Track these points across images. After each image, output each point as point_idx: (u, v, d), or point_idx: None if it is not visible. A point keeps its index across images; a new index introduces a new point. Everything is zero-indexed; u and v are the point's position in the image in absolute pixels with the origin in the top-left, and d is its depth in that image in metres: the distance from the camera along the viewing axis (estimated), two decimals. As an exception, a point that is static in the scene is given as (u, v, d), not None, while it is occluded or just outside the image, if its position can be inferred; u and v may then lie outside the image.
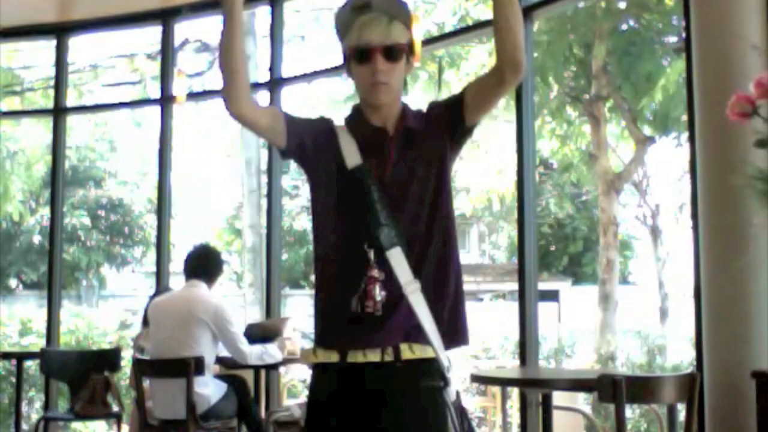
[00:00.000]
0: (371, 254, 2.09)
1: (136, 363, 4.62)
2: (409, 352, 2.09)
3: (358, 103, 2.25)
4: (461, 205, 16.01)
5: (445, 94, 10.12)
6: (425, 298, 2.09)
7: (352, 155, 2.16)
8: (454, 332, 2.16)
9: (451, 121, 2.19)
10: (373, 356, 2.08)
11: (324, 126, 2.24)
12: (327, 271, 2.18)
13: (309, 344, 2.25)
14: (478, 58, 11.05)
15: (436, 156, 2.17)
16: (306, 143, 2.19)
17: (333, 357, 2.11)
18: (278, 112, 2.22)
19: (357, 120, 2.23)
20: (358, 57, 2.16)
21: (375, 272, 2.08)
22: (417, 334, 2.09)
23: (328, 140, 2.19)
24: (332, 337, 2.14)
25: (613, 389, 3.00)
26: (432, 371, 2.10)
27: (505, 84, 2.11)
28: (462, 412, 2.12)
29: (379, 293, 2.07)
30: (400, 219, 2.12)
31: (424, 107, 2.28)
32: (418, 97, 11.38)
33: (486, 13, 10.41)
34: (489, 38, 10.38)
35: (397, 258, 2.09)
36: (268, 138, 2.25)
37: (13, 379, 7.03)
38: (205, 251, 4.92)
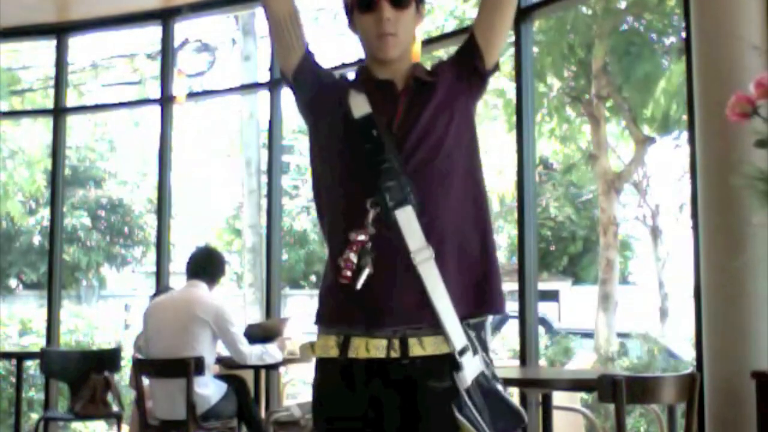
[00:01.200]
0: (371, 214, 1.84)
1: (136, 363, 4.62)
2: (418, 347, 1.85)
3: (365, 62, 2.08)
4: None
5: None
6: (442, 267, 1.84)
7: (359, 105, 1.96)
8: (482, 297, 1.91)
9: (468, 69, 2.02)
10: (377, 351, 1.84)
11: (337, 78, 2.09)
12: (332, 238, 1.95)
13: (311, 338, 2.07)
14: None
15: (452, 107, 1.98)
16: (315, 81, 2.04)
17: (332, 351, 1.88)
18: (305, 39, 2.05)
19: (364, 77, 2.04)
20: (362, 5, 1.98)
21: (360, 236, 1.83)
22: (428, 320, 1.84)
23: (336, 89, 2.02)
24: (332, 316, 1.93)
25: (613, 389, 3.00)
26: (445, 370, 1.85)
27: None
28: (488, 392, 1.85)
29: (353, 259, 1.82)
30: (413, 175, 1.89)
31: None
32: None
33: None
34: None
35: (406, 218, 1.84)
36: (281, 47, 2.06)
37: (13, 379, 7.03)
38: (207, 252, 4.95)
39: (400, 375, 1.85)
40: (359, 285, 1.82)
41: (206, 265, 4.72)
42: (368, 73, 2.03)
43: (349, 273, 1.82)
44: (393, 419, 1.87)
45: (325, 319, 1.94)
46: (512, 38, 4.95)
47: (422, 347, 1.84)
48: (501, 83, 10.32)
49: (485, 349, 1.91)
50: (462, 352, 1.84)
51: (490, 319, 1.98)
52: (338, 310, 1.92)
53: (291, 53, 2.03)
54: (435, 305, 1.83)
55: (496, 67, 2.05)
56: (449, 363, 1.85)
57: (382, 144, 1.89)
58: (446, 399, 1.83)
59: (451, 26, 10.77)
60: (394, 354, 1.84)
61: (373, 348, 1.85)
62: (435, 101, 1.96)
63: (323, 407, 1.95)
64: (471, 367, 1.85)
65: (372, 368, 1.86)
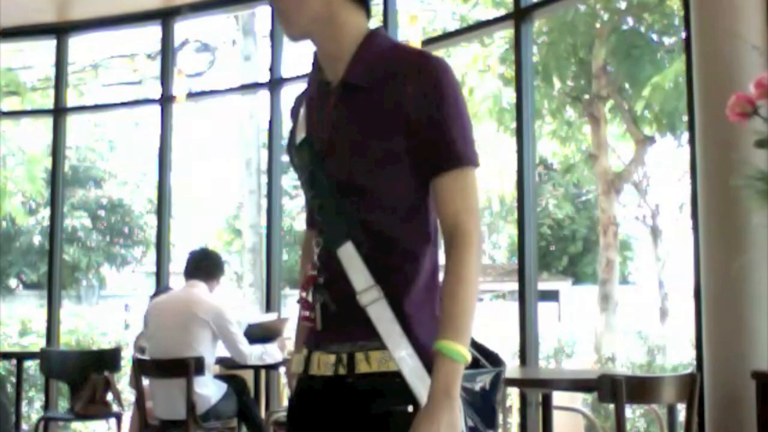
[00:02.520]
0: (317, 250, 1.65)
1: (136, 363, 4.62)
2: (364, 363, 1.58)
3: None
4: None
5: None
6: (393, 305, 1.57)
7: (302, 128, 1.70)
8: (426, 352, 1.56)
9: (422, 153, 1.60)
10: (326, 368, 1.62)
11: (296, 107, 1.79)
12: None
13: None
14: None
15: (380, 131, 1.59)
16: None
17: (300, 366, 1.70)
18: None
19: (314, 74, 1.73)
20: None
21: (312, 271, 1.66)
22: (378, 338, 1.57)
23: (295, 123, 1.76)
24: (302, 331, 1.79)
25: (613, 389, 3.00)
26: (396, 389, 1.55)
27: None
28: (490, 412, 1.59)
29: (307, 298, 1.65)
30: (352, 205, 1.60)
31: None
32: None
33: (484, 13, 10.40)
34: (491, 38, 10.39)
35: (348, 257, 1.59)
36: None
37: (13, 379, 7.03)
38: (205, 253, 4.95)
39: (347, 396, 1.60)
40: (318, 325, 1.64)
41: (204, 266, 4.73)
42: (318, 70, 1.71)
43: (307, 312, 1.66)
44: None
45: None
46: (512, 38, 4.95)
47: (368, 363, 1.58)
48: (495, 87, 10.30)
49: (481, 406, 1.58)
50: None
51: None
52: (306, 333, 1.75)
53: None
54: (393, 354, 1.55)
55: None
56: (401, 385, 1.55)
57: (312, 173, 1.64)
58: (395, 426, 1.54)
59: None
60: (342, 371, 1.60)
61: (323, 365, 1.63)
62: (370, 114, 1.60)
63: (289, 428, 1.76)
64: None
65: (319, 387, 1.65)
